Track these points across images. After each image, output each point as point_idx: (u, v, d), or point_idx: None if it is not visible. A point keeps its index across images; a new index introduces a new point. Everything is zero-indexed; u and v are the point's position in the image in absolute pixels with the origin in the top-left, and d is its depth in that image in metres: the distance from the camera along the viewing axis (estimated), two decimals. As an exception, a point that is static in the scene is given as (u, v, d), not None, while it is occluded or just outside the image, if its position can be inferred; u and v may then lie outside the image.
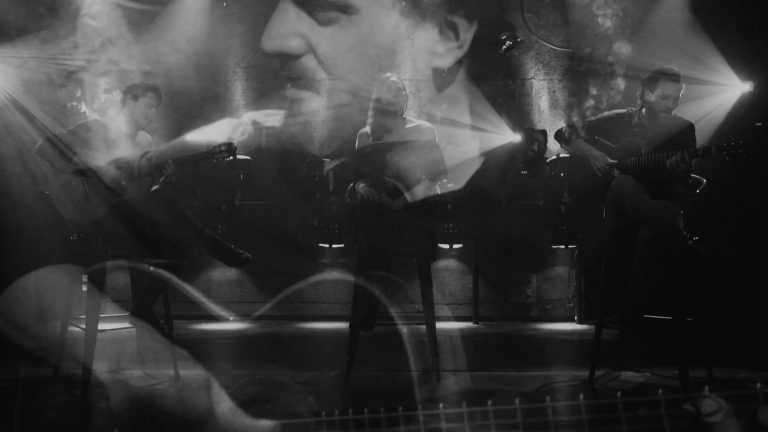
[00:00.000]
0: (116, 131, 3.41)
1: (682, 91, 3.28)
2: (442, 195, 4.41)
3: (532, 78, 5.94)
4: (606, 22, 5.29)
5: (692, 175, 3.32)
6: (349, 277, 3.17)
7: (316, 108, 5.77)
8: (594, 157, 3.33)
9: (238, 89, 5.96)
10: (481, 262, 5.62)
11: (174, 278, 3.18)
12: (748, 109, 4.68)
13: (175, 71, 5.65)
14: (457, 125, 5.66)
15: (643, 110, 3.34)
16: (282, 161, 5.67)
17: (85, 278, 3.29)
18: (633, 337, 3.42)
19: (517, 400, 1.03)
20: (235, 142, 3.40)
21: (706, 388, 0.95)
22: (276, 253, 5.58)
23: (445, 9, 5.79)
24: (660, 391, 0.93)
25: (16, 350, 3.61)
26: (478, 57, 5.85)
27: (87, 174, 3.22)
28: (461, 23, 5.79)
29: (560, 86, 5.92)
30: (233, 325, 5.15)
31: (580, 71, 5.72)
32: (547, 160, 5.48)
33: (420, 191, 3.42)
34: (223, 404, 2.63)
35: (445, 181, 5.10)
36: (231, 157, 3.49)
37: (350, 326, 3.24)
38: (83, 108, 5.30)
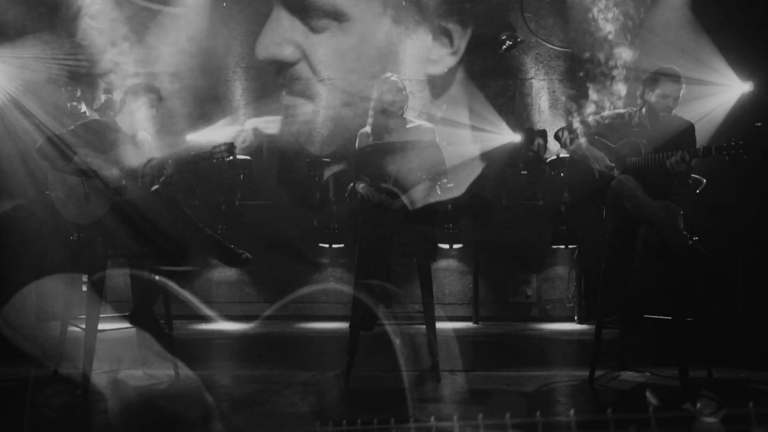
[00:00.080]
0: (116, 131, 3.41)
1: (682, 91, 3.28)
2: (442, 202, 4.44)
3: (532, 78, 5.94)
4: (606, 22, 5.29)
5: (692, 175, 3.32)
6: (348, 287, 3.17)
7: (311, 115, 5.78)
8: (594, 157, 3.33)
9: (238, 89, 5.96)
10: (481, 262, 5.63)
11: (172, 284, 3.19)
12: (748, 109, 4.68)
13: (175, 71, 5.65)
14: (457, 125, 5.66)
15: (644, 110, 3.34)
16: (281, 166, 5.66)
17: (84, 278, 3.29)
18: (633, 337, 3.42)
19: (538, 413, 1.02)
20: (235, 150, 3.39)
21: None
22: (276, 253, 5.59)
23: (438, 15, 5.79)
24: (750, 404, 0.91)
25: (16, 350, 3.62)
26: (478, 57, 5.86)
27: (87, 174, 3.21)
28: (455, 29, 5.80)
29: (560, 86, 5.92)
30: (233, 325, 5.15)
31: (580, 71, 5.72)
32: (547, 160, 5.48)
33: (420, 191, 3.42)
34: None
35: (445, 181, 5.11)
36: (231, 157, 3.49)
37: (350, 326, 3.24)
38: (83, 108, 5.31)
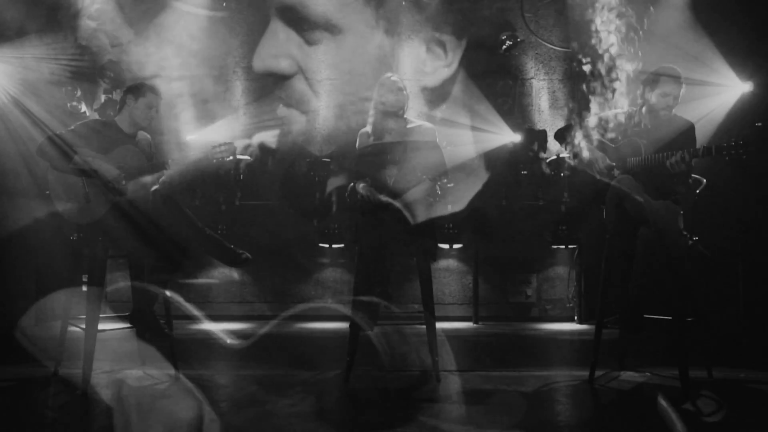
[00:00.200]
0: (116, 131, 3.41)
1: (682, 90, 3.28)
2: (444, 217, 4.48)
3: (532, 78, 5.94)
4: (606, 22, 5.29)
5: (692, 175, 3.32)
6: (344, 306, 3.18)
7: (307, 127, 5.79)
8: (594, 157, 3.34)
9: (238, 89, 5.96)
10: (481, 262, 5.63)
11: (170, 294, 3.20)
12: (748, 109, 4.68)
13: (175, 71, 5.66)
14: (457, 126, 5.66)
15: (644, 110, 3.34)
16: (284, 180, 5.65)
17: (85, 278, 3.29)
18: (633, 337, 3.42)
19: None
20: (243, 162, 3.40)
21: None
22: (276, 253, 5.59)
23: (432, 27, 5.80)
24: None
25: (16, 350, 3.62)
26: (478, 57, 5.86)
27: (87, 174, 3.22)
28: (449, 41, 5.80)
29: (560, 86, 5.92)
30: (233, 325, 5.15)
31: (580, 71, 5.72)
32: (547, 160, 5.48)
33: (420, 191, 3.42)
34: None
35: (445, 181, 5.12)
36: (231, 157, 3.49)
37: (350, 326, 3.24)
38: (83, 108, 5.31)
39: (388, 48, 5.73)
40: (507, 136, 5.63)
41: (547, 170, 5.44)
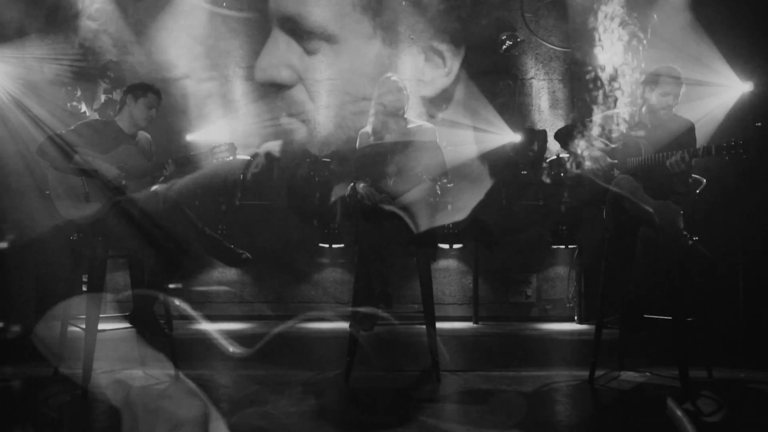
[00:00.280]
0: (116, 131, 3.41)
1: (682, 89, 3.28)
2: (446, 226, 4.49)
3: (532, 78, 5.94)
4: (606, 22, 5.28)
5: (692, 175, 3.32)
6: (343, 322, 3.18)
7: (308, 137, 5.80)
8: (594, 157, 3.33)
9: (238, 89, 5.96)
10: (481, 262, 5.63)
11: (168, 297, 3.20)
12: (748, 109, 4.68)
13: (175, 71, 5.66)
14: (457, 126, 5.66)
15: (644, 109, 3.34)
16: (289, 190, 5.64)
17: (85, 278, 3.28)
18: (633, 337, 3.42)
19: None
20: (248, 175, 3.41)
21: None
22: (276, 253, 5.59)
23: (429, 36, 5.80)
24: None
25: (16, 350, 3.62)
26: (478, 57, 5.85)
27: (87, 173, 3.22)
28: (447, 50, 5.80)
29: (560, 86, 5.92)
30: (233, 325, 5.15)
31: (580, 71, 5.72)
32: (547, 160, 5.48)
33: (420, 191, 3.42)
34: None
35: (445, 181, 5.12)
36: (231, 158, 3.50)
37: (350, 326, 3.24)
38: (83, 108, 5.31)
39: (386, 57, 5.73)
40: (507, 136, 5.62)
41: (548, 170, 5.44)
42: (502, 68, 5.90)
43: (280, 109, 5.84)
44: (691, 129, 3.30)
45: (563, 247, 5.53)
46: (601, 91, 4.47)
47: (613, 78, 4.26)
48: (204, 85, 5.80)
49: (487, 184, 5.15)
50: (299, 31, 5.78)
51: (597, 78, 4.76)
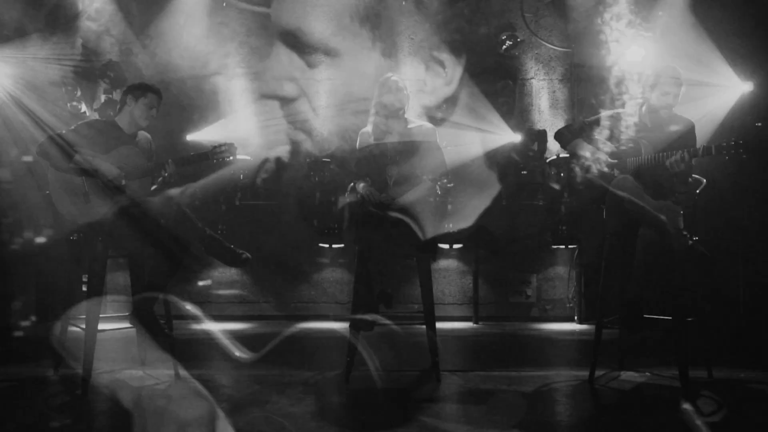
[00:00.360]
0: (116, 131, 3.41)
1: (682, 88, 3.28)
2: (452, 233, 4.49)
3: (532, 78, 5.94)
4: (606, 22, 5.28)
5: (692, 175, 3.32)
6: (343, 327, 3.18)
7: (312, 148, 5.80)
8: (594, 157, 3.33)
9: (238, 89, 5.96)
10: (481, 262, 5.63)
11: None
12: (748, 109, 4.68)
13: (175, 72, 5.66)
14: (457, 126, 5.66)
15: (644, 109, 3.34)
16: (298, 198, 5.64)
17: (85, 278, 3.28)
18: (633, 337, 3.42)
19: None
20: (259, 180, 3.40)
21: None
22: (276, 253, 5.59)
23: (429, 46, 5.80)
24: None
25: (16, 350, 3.62)
26: (478, 57, 5.85)
27: (87, 173, 3.22)
28: (448, 59, 5.80)
29: (560, 86, 5.92)
30: (233, 325, 5.15)
31: (580, 71, 5.72)
32: (547, 160, 5.48)
33: (421, 191, 3.42)
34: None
35: (445, 181, 5.12)
36: (231, 158, 3.50)
37: (350, 326, 3.24)
38: (83, 108, 5.31)
39: (387, 68, 5.74)
40: (507, 136, 5.62)
41: (547, 170, 5.44)
42: (502, 68, 5.90)
43: (287, 122, 5.88)
44: (691, 129, 3.30)
45: (563, 247, 5.53)
46: (604, 91, 4.47)
47: (617, 78, 4.27)
48: (205, 85, 5.80)
49: (494, 190, 5.16)
50: (300, 45, 5.83)
51: (601, 78, 4.77)
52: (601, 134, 3.39)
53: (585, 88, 5.67)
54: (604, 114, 3.44)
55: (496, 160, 5.53)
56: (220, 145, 3.48)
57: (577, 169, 3.36)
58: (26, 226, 4.81)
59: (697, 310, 3.32)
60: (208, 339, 4.54)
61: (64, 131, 3.29)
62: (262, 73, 5.87)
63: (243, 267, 4.42)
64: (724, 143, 3.02)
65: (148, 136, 3.57)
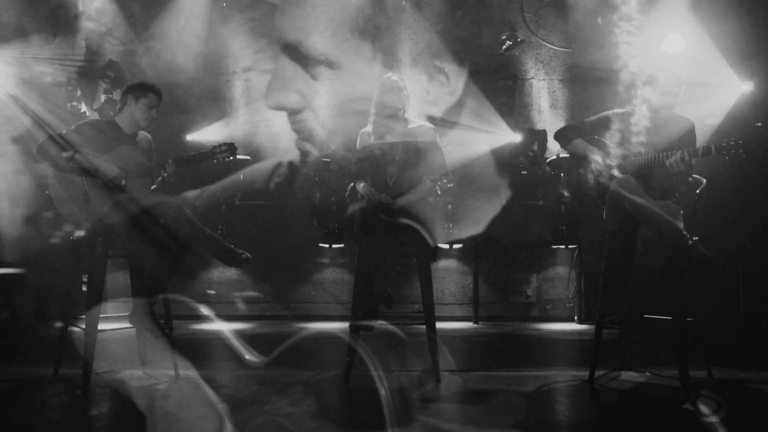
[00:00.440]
0: (116, 131, 3.41)
1: (682, 87, 3.28)
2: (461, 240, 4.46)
3: (532, 78, 5.94)
4: (606, 22, 5.28)
5: (692, 175, 3.31)
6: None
7: (318, 158, 5.81)
8: (594, 157, 3.33)
9: (238, 89, 5.97)
10: (481, 262, 5.63)
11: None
12: (748, 109, 4.68)
13: (175, 71, 5.66)
14: (457, 126, 5.66)
15: (644, 109, 3.33)
16: (313, 209, 5.64)
17: (85, 278, 3.28)
18: (633, 337, 3.42)
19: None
20: (272, 184, 3.40)
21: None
22: (276, 253, 5.59)
23: (431, 55, 5.80)
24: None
25: (16, 350, 3.61)
26: (478, 57, 5.85)
27: (87, 173, 3.22)
28: (451, 69, 5.80)
29: (560, 86, 5.92)
30: (233, 325, 5.15)
31: (580, 71, 5.72)
32: (547, 160, 5.48)
33: (421, 191, 3.42)
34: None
35: (445, 181, 5.13)
36: (231, 157, 3.50)
37: (350, 326, 3.24)
38: (83, 108, 5.31)
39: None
40: (507, 136, 5.62)
41: (547, 170, 5.44)
42: (502, 68, 5.90)
43: (294, 132, 5.91)
44: (691, 128, 3.30)
45: (563, 247, 5.53)
46: (604, 91, 4.46)
47: (606, 54, 4.25)
48: (207, 85, 5.80)
49: (504, 197, 5.17)
50: (302, 58, 5.86)
51: (601, 78, 4.75)
52: (601, 134, 3.39)
53: (585, 87, 5.67)
54: (604, 114, 3.43)
55: (503, 161, 5.52)
56: (220, 145, 3.49)
57: (590, 174, 3.35)
58: (26, 226, 4.81)
59: (697, 310, 3.32)
60: (216, 339, 4.54)
61: (64, 131, 3.30)
62: (268, 82, 5.88)
63: (243, 267, 4.43)
64: (724, 143, 3.02)
65: (148, 135, 3.57)
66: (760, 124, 4.49)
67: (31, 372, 3.41)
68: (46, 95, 4.99)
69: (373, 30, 5.76)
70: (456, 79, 5.79)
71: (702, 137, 3.62)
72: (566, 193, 5.28)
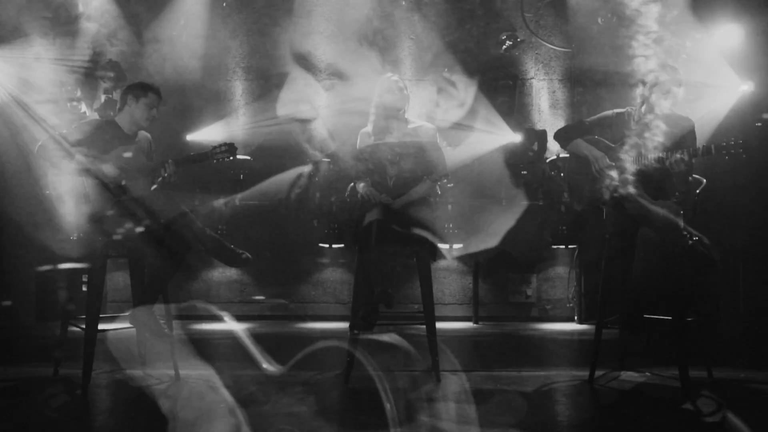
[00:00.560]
0: (116, 131, 3.41)
1: (681, 87, 3.28)
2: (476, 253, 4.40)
3: (532, 78, 5.94)
4: (606, 23, 5.28)
5: (692, 175, 3.31)
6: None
7: (330, 169, 5.81)
8: (594, 157, 3.33)
9: (238, 89, 5.97)
10: (481, 262, 5.63)
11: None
12: (748, 109, 4.68)
13: (175, 71, 5.66)
14: (457, 126, 5.65)
15: (643, 108, 3.34)
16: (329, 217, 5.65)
17: (85, 278, 3.28)
18: (633, 337, 3.42)
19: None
20: (293, 194, 3.40)
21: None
22: (276, 253, 5.60)
23: (440, 68, 5.80)
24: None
25: (16, 350, 3.62)
26: (478, 57, 5.85)
27: (87, 174, 3.22)
28: (460, 80, 5.80)
29: (560, 86, 5.92)
30: (233, 325, 5.16)
31: (580, 72, 5.72)
32: (547, 160, 5.48)
33: (421, 191, 3.42)
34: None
35: (445, 181, 5.13)
36: (231, 158, 3.50)
37: (350, 326, 3.23)
38: (83, 108, 5.31)
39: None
40: (507, 136, 5.62)
41: (547, 170, 5.44)
42: (502, 68, 5.90)
43: (305, 142, 5.92)
44: (691, 128, 3.29)
45: (563, 247, 5.53)
46: (604, 91, 4.46)
47: (606, 54, 4.24)
48: (204, 84, 5.80)
49: (521, 208, 5.18)
50: (312, 68, 5.93)
51: (602, 78, 4.75)
52: (601, 134, 3.39)
53: (585, 88, 5.67)
54: (604, 113, 3.43)
55: (513, 162, 5.53)
56: (220, 145, 3.49)
57: (590, 174, 3.34)
58: (26, 226, 4.81)
59: (697, 310, 3.32)
60: (217, 339, 4.54)
61: (64, 131, 3.30)
62: (280, 94, 5.92)
63: (243, 267, 4.43)
64: (724, 143, 3.02)
65: (148, 135, 3.57)
66: (760, 124, 4.48)
67: (31, 372, 3.41)
68: (46, 95, 4.99)
69: (381, 41, 5.79)
70: (466, 91, 5.79)
71: (702, 137, 3.62)
72: (566, 193, 5.29)
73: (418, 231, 3.22)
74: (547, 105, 5.91)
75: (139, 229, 3.10)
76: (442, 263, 5.70)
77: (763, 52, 4.61)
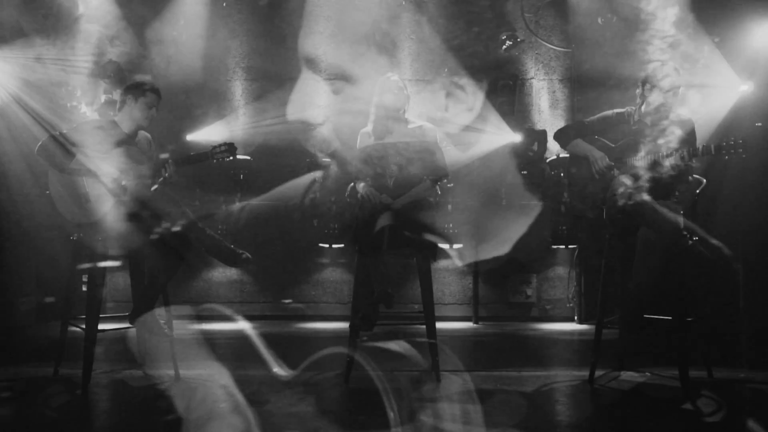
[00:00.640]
0: (116, 131, 3.41)
1: (681, 87, 3.28)
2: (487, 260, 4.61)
3: (532, 78, 5.94)
4: (605, 23, 5.28)
5: (692, 174, 3.31)
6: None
7: (338, 176, 5.82)
8: (594, 157, 3.33)
9: (238, 89, 5.97)
10: (481, 262, 5.62)
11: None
12: (748, 109, 4.68)
13: (175, 71, 5.66)
14: (457, 126, 5.65)
15: (643, 108, 3.33)
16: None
17: (85, 278, 3.28)
18: (633, 337, 3.42)
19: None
20: (307, 200, 3.40)
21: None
22: (276, 253, 5.60)
23: (448, 72, 5.80)
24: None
25: (16, 350, 3.61)
26: (478, 57, 5.85)
27: (87, 174, 3.22)
28: (468, 85, 5.79)
29: (560, 86, 5.92)
30: (233, 325, 5.16)
31: (580, 71, 5.72)
32: (547, 160, 5.48)
33: (421, 191, 3.42)
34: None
35: (445, 181, 5.13)
36: (231, 158, 3.49)
37: (350, 326, 3.23)
38: (83, 108, 5.31)
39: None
40: (507, 136, 5.62)
41: (547, 170, 5.44)
42: (502, 68, 5.90)
43: (314, 147, 5.93)
44: (691, 128, 3.29)
45: (563, 247, 5.53)
46: (604, 91, 4.46)
47: (607, 54, 4.23)
48: (204, 84, 5.80)
49: (534, 214, 5.18)
50: (321, 72, 5.93)
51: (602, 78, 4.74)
52: (601, 134, 3.39)
53: (585, 88, 5.67)
54: (604, 113, 3.43)
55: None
56: (220, 145, 3.48)
57: (590, 174, 3.34)
58: (26, 225, 4.81)
59: (697, 310, 3.32)
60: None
61: (64, 131, 3.29)
62: (290, 97, 5.92)
63: (243, 267, 4.42)
64: (724, 143, 3.02)
65: (148, 135, 3.57)
66: (760, 124, 4.48)
67: (31, 372, 3.41)
68: (46, 95, 5.00)
69: (390, 46, 5.80)
70: (475, 95, 5.78)
71: (702, 137, 3.62)
72: (566, 193, 5.28)
73: (418, 231, 3.23)
74: (547, 105, 5.91)
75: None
76: (442, 263, 5.70)
77: (763, 52, 4.61)
